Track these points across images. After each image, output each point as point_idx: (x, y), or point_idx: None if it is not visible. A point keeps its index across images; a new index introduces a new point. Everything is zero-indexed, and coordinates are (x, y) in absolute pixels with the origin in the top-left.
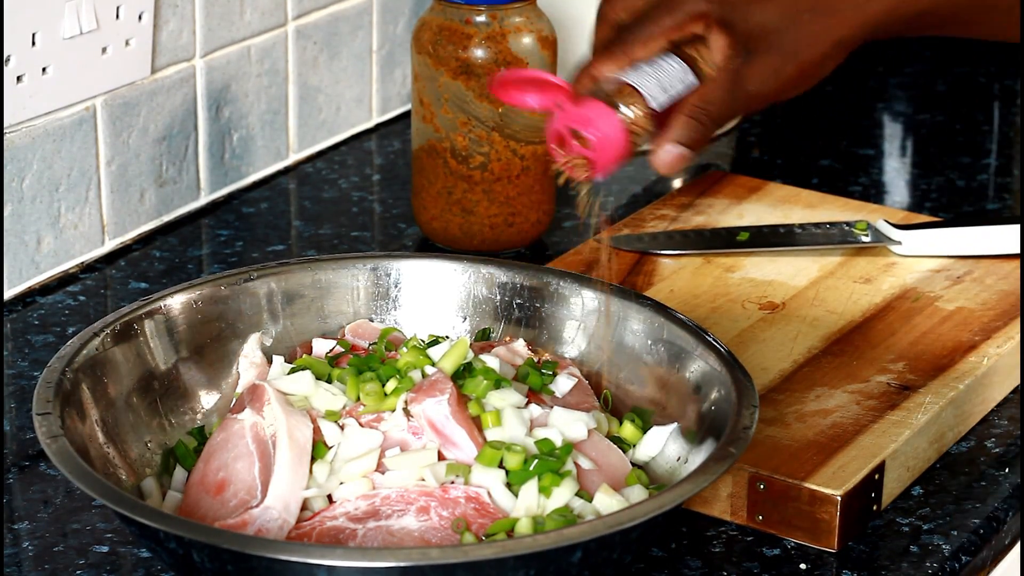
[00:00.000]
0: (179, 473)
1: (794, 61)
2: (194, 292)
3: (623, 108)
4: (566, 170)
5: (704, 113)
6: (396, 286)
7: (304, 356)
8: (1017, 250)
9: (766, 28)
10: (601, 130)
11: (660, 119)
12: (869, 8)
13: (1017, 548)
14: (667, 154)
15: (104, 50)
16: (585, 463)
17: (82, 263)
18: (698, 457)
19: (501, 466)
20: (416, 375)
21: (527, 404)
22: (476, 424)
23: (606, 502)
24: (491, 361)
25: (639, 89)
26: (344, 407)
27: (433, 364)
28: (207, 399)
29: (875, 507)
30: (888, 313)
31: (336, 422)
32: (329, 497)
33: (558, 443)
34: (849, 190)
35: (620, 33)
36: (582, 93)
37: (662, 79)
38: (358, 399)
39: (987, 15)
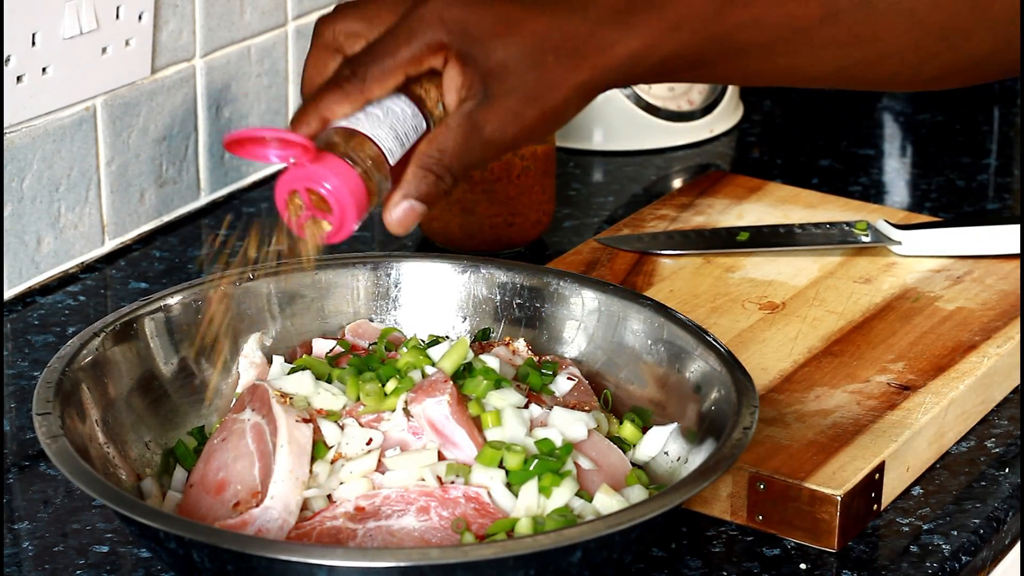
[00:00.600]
0: (179, 473)
1: (535, 105)
2: (194, 292)
3: (359, 161)
4: (297, 231)
5: (439, 164)
6: (396, 286)
7: (304, 356)
8: (1017, 250)
9: (508, 67)
10: (339, 188)
11: (392, 168)
12: (614, 52)
13: (1017, 548)
14: (400, 211)
15: (104, 50)
16: (585, 463)
17: (82, 263)
18: (698, 457)
19: (501, 466)
20: (416, 375)
21: (527, 404)
22: (476, 424)
23: (606, 502)
24: (491, 361)
25: (374, 140)
26: (344, 407)
27: (433, 364)
28: (207, 399)
29: (875, 507)
30: (888, 313)
31: (336, 422)
32: (329, 497)
33: (558, 443)
34: (849, 190)
35: (352, 66)
36: (311, 138)
37: (396, 126)
38: (358, 399)
39: (734, 59)
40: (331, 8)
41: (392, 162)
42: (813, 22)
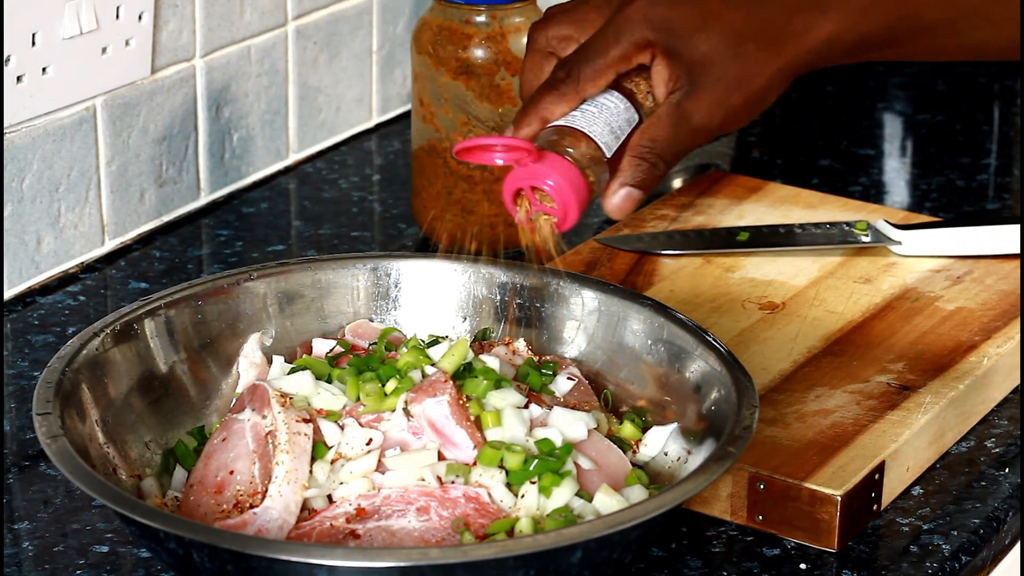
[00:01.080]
0: (179, 473)
1: (739, 92)
2: (194, 292)
3: (578, 157)
4: (527, 227)
5: (652, 152)
6: (396, 286)
7: (304, 356)
8: (1017, 250)
9: (711, 58)
10: (560, 183)
11: (609, 160)
12: (811, 36)
13: (1017, 548)
14: (619, 198)
15: (104, 50)
16: (585, 463)
17: (82, 263)
18: (698, 457)
19: (501, 466)
20: (416, 375)
21: (527, 404)
22: (476, 424)
23: (606, 502)
24: (491, 361)
25: (591, 136)
26: (344, 407)
27: (433, 364)
28: (207, 399)
29: (875, 507)
30: (888, 313)
31: (336, 422)
32: (329, 497)
33: (558, 443)
34: (849, 190)
35: (566, 67)
36: (532, 137)
37: (610, 121)
38: (358, 399)
39: (921, 37)
40: (543, 16)
41: (608, 154)
42: None
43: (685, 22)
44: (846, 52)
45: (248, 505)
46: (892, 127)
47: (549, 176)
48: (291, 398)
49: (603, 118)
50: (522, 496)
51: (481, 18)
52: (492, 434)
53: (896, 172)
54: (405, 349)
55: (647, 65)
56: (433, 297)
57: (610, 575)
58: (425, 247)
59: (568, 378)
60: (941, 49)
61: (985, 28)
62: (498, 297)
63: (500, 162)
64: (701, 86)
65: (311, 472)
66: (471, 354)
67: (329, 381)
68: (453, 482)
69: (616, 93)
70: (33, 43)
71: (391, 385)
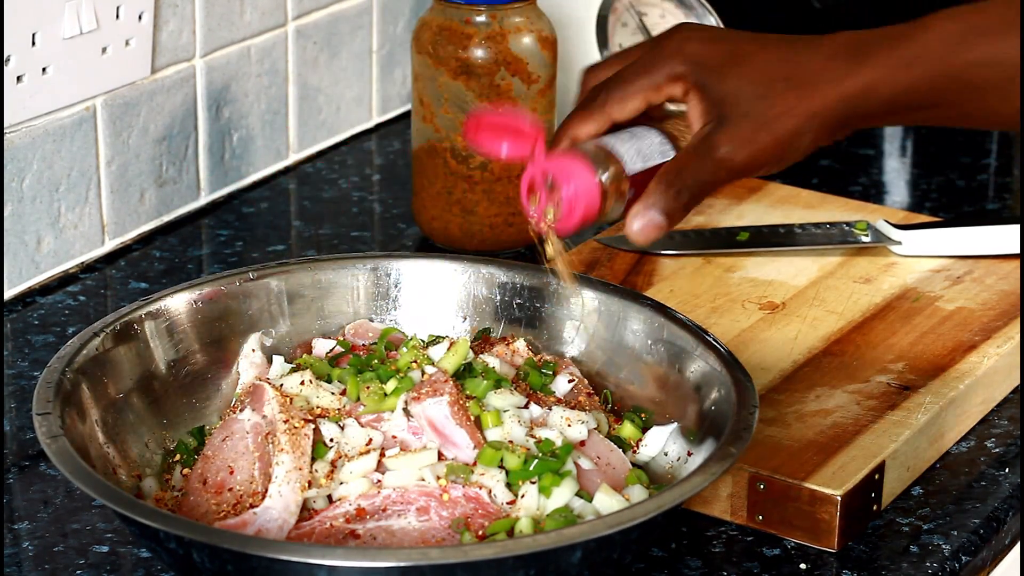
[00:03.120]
0: (179, 473)
1: (768, 130)
2: (194, 292)
3: (600, 169)
4: (532, 217)
5: (678, 179)
6: (396, 286)
7: (304, 356)
8: (1017, 250)
9: (738, 95)
10: (576, 185)
11: (635, 188)
12: (846, 84)
13: (1017, 548)
14: (642, 221)
15: (104, 50)
16: (585, 463)
17: (82, 263)
18: (698, 457)
19: (501, 466)
20: (416, 375)
21: (527, 404)
22: (476, 424)
23: (606, 502)
24: (491, 361)
25: (616, 153)
26: (344, 407)
27: (433, 364)
28: (207, 399)
29: (875, 507)
30: (888, 313)
31: (336, 422)
32: (329, 497)
33: (558, 443)
34: (849, 190)
35: (596, 90)
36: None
37: (641, 147)
38: (358, 399)
39: (971, 98)
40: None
41: (631, 172)
42: None
43: (717, 59)
44: (885, 106)
45: (248, 505)
46: (892, 127)
47: (563, 171)
48: (291, 398)
49: (634, 143)
50: (522, 496)
51: (481, 18)
52: (492, 434)
53: (896, 172)
54: (405, 349)
55: (677, 98)
56: (433, 297)
57: (610, 575)
58: (425, 247)
59: (568, 378)
60: (994, 113)
61: None
62: (498, 297)
63: (505, 153)
64: (728, 121)
65: (311, 472)
66: (471, 354)
67: (329, 381)
68: (453, 482)
69: (656, 130)
70: (33, 43)
71: (391, 385)
